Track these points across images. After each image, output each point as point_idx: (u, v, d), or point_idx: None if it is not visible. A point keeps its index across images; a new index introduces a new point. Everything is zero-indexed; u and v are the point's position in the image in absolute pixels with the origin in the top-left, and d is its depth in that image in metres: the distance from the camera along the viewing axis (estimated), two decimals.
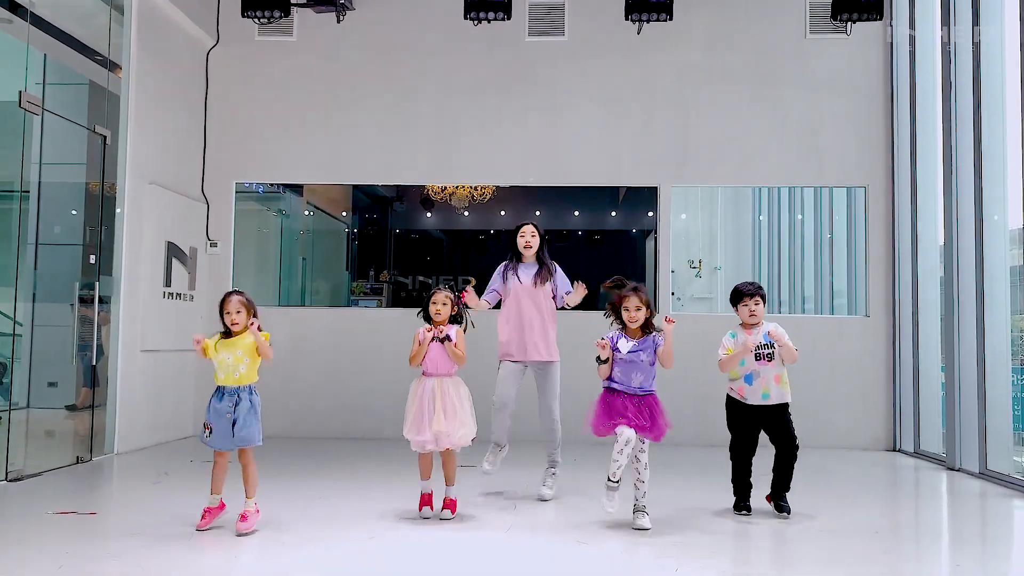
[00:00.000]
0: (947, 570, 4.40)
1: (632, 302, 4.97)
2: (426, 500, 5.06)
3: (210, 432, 4.68)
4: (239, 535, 4.51)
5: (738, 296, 5.41)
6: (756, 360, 5.25)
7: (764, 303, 5.36)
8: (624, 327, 5.01)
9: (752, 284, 5.44)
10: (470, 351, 5.14)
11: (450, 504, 5.04)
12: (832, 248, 11.19)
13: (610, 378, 4.96)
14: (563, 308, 5.90)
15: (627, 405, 4.85)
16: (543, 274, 5.76)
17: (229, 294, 4.78)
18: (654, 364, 4.95)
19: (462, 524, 4.90)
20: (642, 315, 4.95)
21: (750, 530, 4.97)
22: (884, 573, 4.12)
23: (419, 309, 5.19)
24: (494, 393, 5.66)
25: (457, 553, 4.31)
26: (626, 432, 4.77)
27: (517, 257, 5.88)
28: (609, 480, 4.83)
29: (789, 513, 5.22)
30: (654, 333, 4.98)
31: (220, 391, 4.72)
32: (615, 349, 4.94)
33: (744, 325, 5.38)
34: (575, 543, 4.54)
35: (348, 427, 8.92)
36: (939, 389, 8.01)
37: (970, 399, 6.98)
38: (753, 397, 5.26)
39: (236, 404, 4.66)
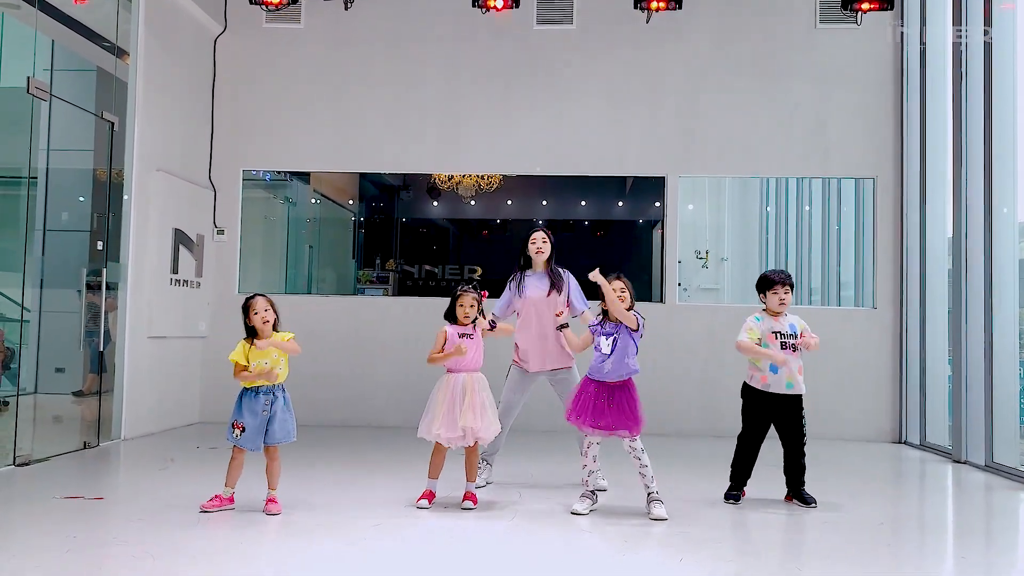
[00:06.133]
0: (952, 562, 4.39)
1: (616, 285, 4.97)
2: (428, 495, 5.04)
3: (242, 431, 4.75)
4: (270, 515, 4.69)
5: (768, 283, 5.36)
6: (783, 349, 5.24)
7: (792, 292, 5.34)
8: (606, 314, 5.01)
9: (782, 272, 5.39)
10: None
11: (471, 496, 5.04)
12: (840, 240, 11.14)
13: (590, 366, 5.01)
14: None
15: (599, 400, 4.87)
16: (556, 287, 5.67)
17: (253, 296, 4.89)
18: (629, 344, 4.93)
19: (467, 512, 4.91)
20: (625, 300, 4.95)
21: (754, 520, 4.97)
22: (889, 564, 4.12)
23: (443, 307, 5.19)
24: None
25: (461, 541, 4.32)
26: (588, 438, 4.95)
27: (527, 263, 5.82)
28: (587, 488, 5.03)
29: (816, 503, 5.23)
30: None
31: (254, 391, 4.80)
32: (597, 337, 4.99)
33: (770, 312, 5.36)
34: (579, 531, 4.55)
35: (353, 415, 8.94)
36: (946, 381, 7.99)
37: (977, 392, 6.96)
38: (777, 386, 5.25)
39: (272, 402, 4.79)
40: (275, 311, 4.89)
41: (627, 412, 4.85)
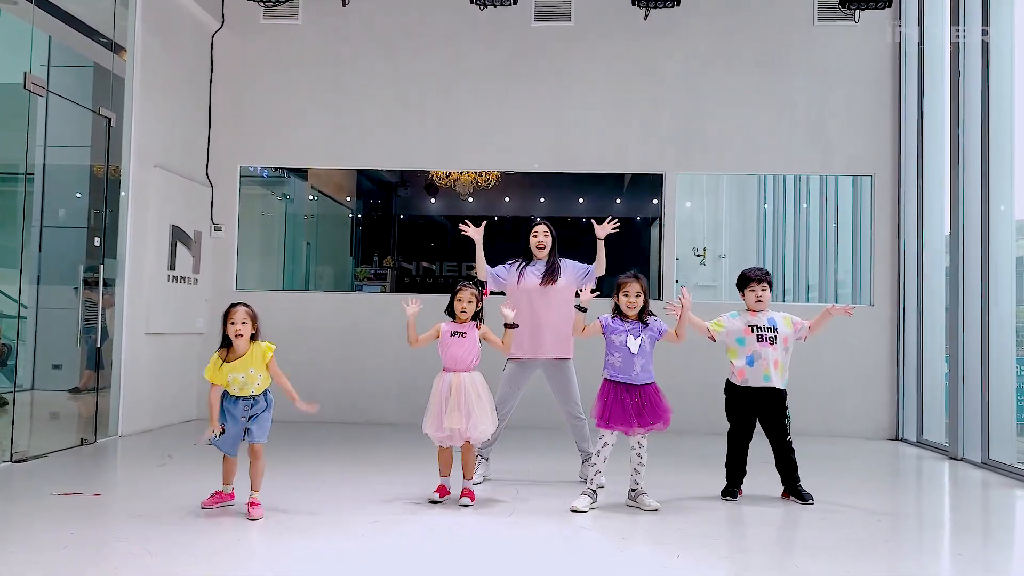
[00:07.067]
0: (948, 558, 4.41)
1: (632, 287, 4.98)
2: (442, 490, 5.07)
3: (221, 433, 4.66)
4: (252, 519, 4.54)
5: (745, 281, 5.44)
6: (758, 342, 5.27)
7: (771, 289, 5.40)
8: (619, 313, 5.02)
9: (759, 270, 5.47)
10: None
11: (468, 493, 5.02)
12: (837, 237, 11.15)
13: (612, 368, 4.98)
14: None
15: (627, 402, 4.89)
16: (551, 274, 5.71)
17: (235, 305, 4.69)
18: (651, 349, 5.01)
19: (465, 509, 4.91)
20: (641, 301, 4.98)
21: (751, 516, 4.98)
22: (885, 561, 4.13)
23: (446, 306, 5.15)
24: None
25: (460, 538, 4.32)
26: (608, 438, 4.93)
27: (528, 256, 5.84)
28: (588, 486, 5.00)
29: (812, 499, 5.25)
30: (652, 319, 5.03)
31: (235, 397, 4.67)
32: (616, 335, 4.96)
33: (749, 310, 5.40)
34: (577, 528, 4.55)
35: (351, 412, 8.94)
36: (943, 379, 8.00)
37: (974, 389, 6.97)
38: (754, 379, 5.29)
39: (253, 405, 4.68)
40: (255, 323, 4.67)
41: (663, 406, 4.95)
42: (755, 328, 5.32)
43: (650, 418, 4.91)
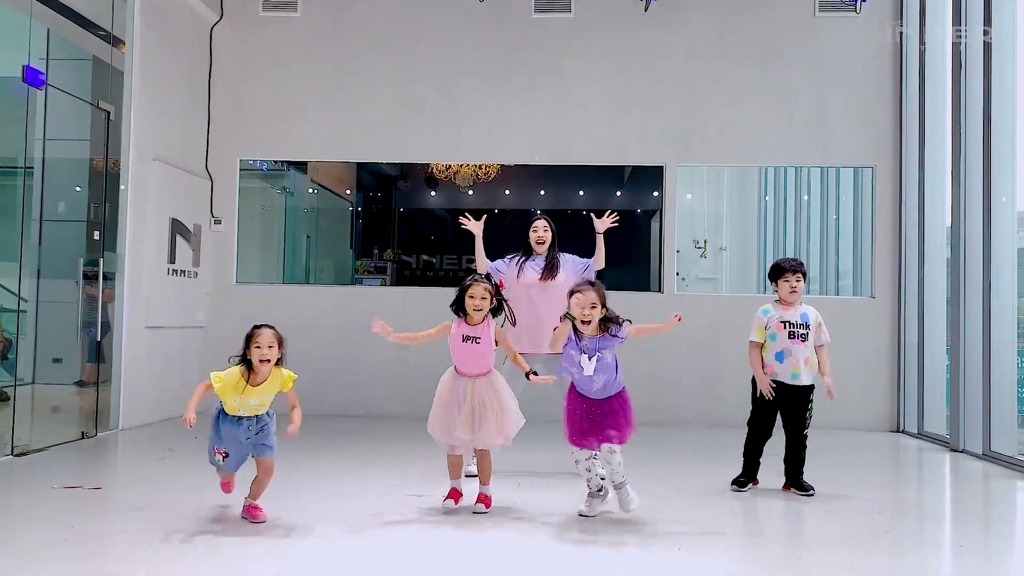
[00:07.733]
0: (949, 550, 4.41)
1: (585, 298, 4.38)
2: (454, 494, 4.76)
3: (225, 456, 4.34)
4: (256, 522, 4.35)
5: (779, 271, 5.33)
6: (790, 339, 5.23)
7: (805, 280, 5.29)
8: (573, 325, 4.44)
9: (793, 260, 5.37)
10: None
11: (484, 499, 4.69)
12: (838, 229, 11.14)
13: (572, 384, 4.58)
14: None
15: (595, 416, 4.46)
16: (551, 269, 5.72)
17: (261, 327, 4.25)
18: (613, 358, 4.48)
19: (464, 505, 4.89)
20: (595, 314, 4.39)
21: (752, 509, 4.98)
22: (887, 552, 4.13)
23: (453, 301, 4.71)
24: None
25: (457, 533, 4.32)
26: (577, 453, 4.53)
27: (528, 251, 5.84)
28: (589, 490, 4.65)
29: (813, 491, 5.23)
30: (613, 329, 4.44)
31: (237, 418, 4.33)
32: (577, 363, 4.43)
33: (781, 302, 5.33)
34: (577, 521, 4.54)
35: (351, 405, 8.94)
36: (944, 371, 8.00)
37: (975, 381, 6.97)
38: (783, 375, 5.25)
39: (258, 421, 4.36)
40: (281, 347, 4.25)
41: (625, 419, 4.49)
42: (788, 324, 5.24)
43: (611, 430, 4.44)
